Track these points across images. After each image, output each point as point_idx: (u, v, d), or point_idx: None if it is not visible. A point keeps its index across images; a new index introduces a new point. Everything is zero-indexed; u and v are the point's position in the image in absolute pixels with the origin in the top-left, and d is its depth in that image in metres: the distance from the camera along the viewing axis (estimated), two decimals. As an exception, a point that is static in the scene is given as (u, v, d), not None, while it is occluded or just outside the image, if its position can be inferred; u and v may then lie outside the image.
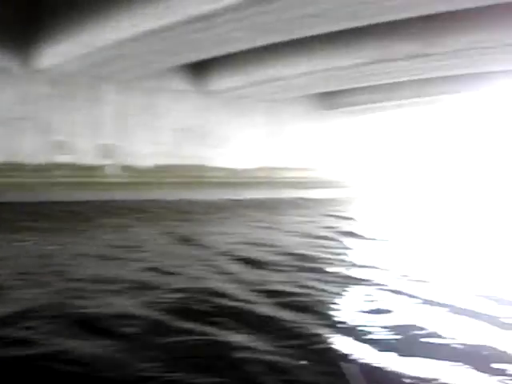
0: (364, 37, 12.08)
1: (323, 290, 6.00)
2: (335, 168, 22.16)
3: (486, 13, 10.51)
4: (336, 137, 22.24)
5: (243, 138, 18.57)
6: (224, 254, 8.18)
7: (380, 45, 11.92)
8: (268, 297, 5.62)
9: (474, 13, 10.49)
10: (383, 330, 4.65)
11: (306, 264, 7.45)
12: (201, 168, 17.35)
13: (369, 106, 20.15)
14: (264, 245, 9.09)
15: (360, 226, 12.51)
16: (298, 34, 11.40)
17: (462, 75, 15.85)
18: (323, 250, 8.81)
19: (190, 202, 15.79)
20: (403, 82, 16.80)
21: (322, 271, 6.97)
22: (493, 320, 4.89)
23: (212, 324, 4.63)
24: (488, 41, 10.93)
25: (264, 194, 18.13)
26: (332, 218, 13.76)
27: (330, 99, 20.24)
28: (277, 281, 6.39)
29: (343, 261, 7.86)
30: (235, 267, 7.16)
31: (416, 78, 15.78)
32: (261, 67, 14.33)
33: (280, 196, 18.50)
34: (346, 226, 12.24)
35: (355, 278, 6.65)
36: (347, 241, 9.94)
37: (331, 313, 5.15)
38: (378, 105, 20.00)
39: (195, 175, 17.07)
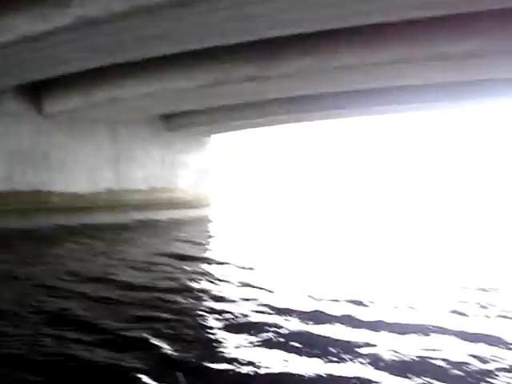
0: (205, 59, 12.22)
1: (151, 322, 5.90)
2: (191, 188, 22.13)
3: (316, 38, 11.07)
4: (189, 157, 22.23)
5: (86, 161, 17.94)
6: (44, 286, 7.81)
7: (219, 67, 12.12)
8: (85, 334, 5.41)
9: (306, 37, 11.00)
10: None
11: (136, 295, 7.29)
12: (37, 194, 16.38)
13: (214, 126, 20.42)
14: (93, 278, 8.63)
15: (206, 249, 12.56)
16: (138, 55, 11.29)
17: (303, 96, 16.57)
18: (161, 278, 8.64)
19: (20, 231, 14.65)
20: (246, 103, 17.24)
21: (153, 302, 6.87)
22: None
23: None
24: (317, 64, 11.52)
25: (108, 218, 17.57)
26: (178, 241, 13.63)
27: (175, 120, 20.24)
28: (96, 316, 6.16)
29: (178, 290, 7.75)
30: (60, 302, 6.84)
31: (257, 99, 16.26)
32: (101, 88, 14.00)
33: (127, 220, 18.09)
34: (191, 249, 12.17)
35: (188, 308, 6.65)
36: (187, 266, 9.83)
37: (154, 349, 5.05)
38: (222, 124, 20.34)
39: (30, 201, 16.11)
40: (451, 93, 15.57)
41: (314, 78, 12.84)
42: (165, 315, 6.18)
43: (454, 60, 10.65)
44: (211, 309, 6.50)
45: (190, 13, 8.56)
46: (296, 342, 5.16)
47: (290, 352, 4.88)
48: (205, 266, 9.87)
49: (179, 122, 20.11)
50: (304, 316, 6.07)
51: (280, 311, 6.31)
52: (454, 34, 9.82)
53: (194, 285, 8.11)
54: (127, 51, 10.83)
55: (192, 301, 7.01)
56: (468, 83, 14.68)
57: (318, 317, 6.01)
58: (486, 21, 9.37)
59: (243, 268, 9.55)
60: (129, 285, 8.01)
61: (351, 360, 4.70)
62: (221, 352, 4.91)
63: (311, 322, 5.80)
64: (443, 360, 4.72)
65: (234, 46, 11.05)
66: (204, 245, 13.30)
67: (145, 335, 5.35)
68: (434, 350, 4.98)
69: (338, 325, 5.74)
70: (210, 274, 9.03)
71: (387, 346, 5.05)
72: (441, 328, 5.61)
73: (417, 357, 4.80)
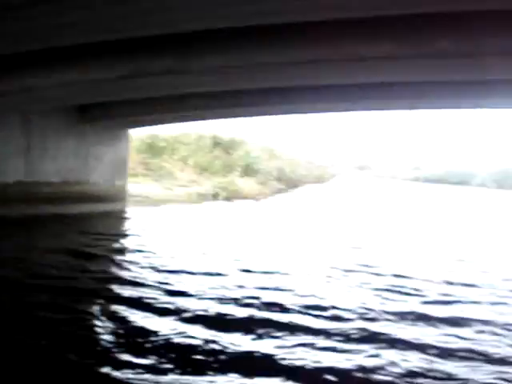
0: (122, 50, 11.96)
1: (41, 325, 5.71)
2: (106, 182, 21.58)
3: (237, 34, 11.06)
4: (105, 149, 21.70)
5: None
6: None
7: (137, 59, 11.90)
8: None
9: (229, 32, 10.97)
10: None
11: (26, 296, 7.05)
12: None
13: (131, 119, 20.07)
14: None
15: (113, 245, 12.23)
16: (53, 43, 10.91)
17: (224, 91, 16.49)
18: (53, 277, 8.33)
19: None
20: (165, 97, 16.99)
21: (42, 305, 6.67)
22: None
23: None
24: (239, 60, 11.51)
25: (14, 211, 16.67)
26: (84, 237, 13.27)
27: (91, 111, 19.71)
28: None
29: (73, 290, 7.53)
30: None
31: (176, 92, 16.09)
32: (13, 76, 13.40)
33: (35, 213, 17.36)
34: (95, 246, 11.82)
35: (82, 310, 6.51)
36: (87, 264, 9.54)
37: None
38: (140, 118, 20.01)
39: None
40: (371, 93, 15.90)
41: (236, 73, 12.84)
42: (57, 317, 5.97)
43: (368, 62, 10.94)
44: (106, 311, 6.31)
45: (108, 2, 8.38)
46: (192, 350, 5.08)
47: (185, 360, 4.80)
48: (106, 264, 9.61)
49: (95, 113, 19.60)
50: (207, 323, 5.96)
51: (176, 315, 6.19)
52: (369, 37, 10.07)
53: (92, 285, 7.82)
54: (41, 39, 10.43)
55: (86, 303, 6.79)
56: (380, 85, 15.05)
57: (221, 320, 5.94)
58: (398, 25, 9.68)
59: (149, 268, 9.36)
60: (18, 284, 7.61)
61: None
62: (112, 357, 4.79)
63: (215, 329, 5.69)
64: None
65: (153, 37, 10.88)
66: (111, 241, 13.00)
67: (30, 339, 5.14)
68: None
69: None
70: (111, 273, 8.80)
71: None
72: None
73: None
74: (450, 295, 7.83)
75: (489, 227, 18.82)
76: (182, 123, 28.40)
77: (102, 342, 5.25)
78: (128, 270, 9.09)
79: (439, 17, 9.44)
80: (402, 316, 6.47)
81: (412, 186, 55.39)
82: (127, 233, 14.72)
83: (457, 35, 9.81)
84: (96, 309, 6.52)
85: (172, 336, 5.43)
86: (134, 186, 24.41)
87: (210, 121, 26.72)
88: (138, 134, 28.21)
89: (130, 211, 20.79)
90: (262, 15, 9.13)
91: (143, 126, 23.82)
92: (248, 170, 34.26)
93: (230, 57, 11.45)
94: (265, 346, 5.21)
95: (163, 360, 4.79)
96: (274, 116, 24.26)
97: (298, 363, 4.81)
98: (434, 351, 5.26)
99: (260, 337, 5.48)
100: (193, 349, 5.10)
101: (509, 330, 6.15)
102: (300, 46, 11.14)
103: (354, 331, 5.75)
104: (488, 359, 5.13)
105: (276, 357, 4.94)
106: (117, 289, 7.70)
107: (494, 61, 10.81)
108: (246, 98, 17.12)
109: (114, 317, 6.08)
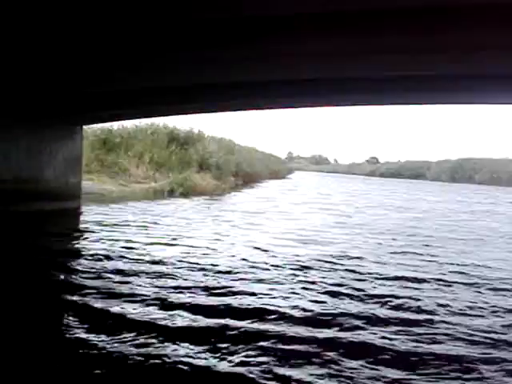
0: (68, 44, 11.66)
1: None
2: (60, 179, 21.14)
3: (189, 28, 10.91)
4: (58, 146, 21.26)
5: None
6: None
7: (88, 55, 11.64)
8: None
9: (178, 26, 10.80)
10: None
11: None
12: None
13: (84, 115, 19.74)
14: None
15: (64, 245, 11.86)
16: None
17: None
18: None
19: None
20: (118, 91, 16.71)
21: None
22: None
23: None
24: (193, 56, 11.38)
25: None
26: (33, 236, 12.88)
27: (43, 107, 19.24)
28: None
29: None
30: None
31: (128, 87, 15.85)
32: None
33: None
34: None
35: None
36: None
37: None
38: (93, 113, 19.69)
39: None
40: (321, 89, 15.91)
41: (191, 69, 12.71)
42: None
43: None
44: (42, 316, 6.10)
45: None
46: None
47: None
48: (49, 267, 9.29)
49: (47, 109, 19.15)
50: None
51: (114, 321, 6.05)
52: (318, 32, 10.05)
53: (30, 290, 7.54)
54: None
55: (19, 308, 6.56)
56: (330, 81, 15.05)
57: (158, 325, 5.80)
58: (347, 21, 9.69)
59: (94, 271, 9.10)
60: None
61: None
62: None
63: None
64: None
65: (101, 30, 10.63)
66: (60, 242, 12.65)
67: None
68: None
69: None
70: (54, 276, 8.54)
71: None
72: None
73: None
74: (396, 292, 7.85)
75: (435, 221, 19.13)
76: (138, 119, 28.10)
77: (28, 351, 5.10)
78: (71, 273, 8.85)
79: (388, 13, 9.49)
80: (347, 317, 6.46)
81: (368, 181, 56.15)
82: (78, 233, 14.42)
83: (407, 31, 9.87)
84: (32, 314, 6.34)
85: (105, 345, 5.31)
86: (89, 183, 24.04)
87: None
88: (92, 130, 27.80)
89: (84, 209, 20.43)
90: (213, 9, 9.03)
91: (98, 122, 23.48)
92: (205, 166, 34.08)
93: (183, 53, 11.30)
94: (199, 352, 5.14)
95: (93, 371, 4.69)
96: (231, 112, 24.15)
97: (234, 371, 4.76)
98: (379, 355, 5.26)
99: (198, 342, 5.42)
100: (124, 359, 4.99)
101: (455, 328, 6.20)
102: (252, 42, 11.06)
103: (297, 335, 5.72)
104: (433, 360, 5.16)
105: (211, 365, 4.88)
106: (56, 294, 7.46)
107: (444, 57, 10.98)
108: (207, 93, 16.93)
109: (48, 324, 5.92)
